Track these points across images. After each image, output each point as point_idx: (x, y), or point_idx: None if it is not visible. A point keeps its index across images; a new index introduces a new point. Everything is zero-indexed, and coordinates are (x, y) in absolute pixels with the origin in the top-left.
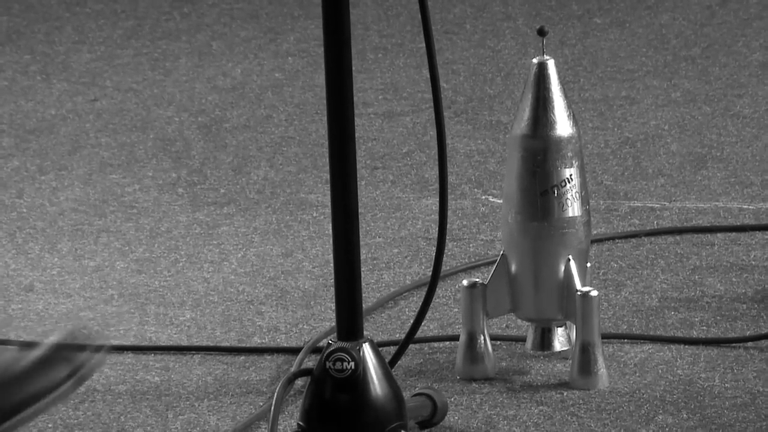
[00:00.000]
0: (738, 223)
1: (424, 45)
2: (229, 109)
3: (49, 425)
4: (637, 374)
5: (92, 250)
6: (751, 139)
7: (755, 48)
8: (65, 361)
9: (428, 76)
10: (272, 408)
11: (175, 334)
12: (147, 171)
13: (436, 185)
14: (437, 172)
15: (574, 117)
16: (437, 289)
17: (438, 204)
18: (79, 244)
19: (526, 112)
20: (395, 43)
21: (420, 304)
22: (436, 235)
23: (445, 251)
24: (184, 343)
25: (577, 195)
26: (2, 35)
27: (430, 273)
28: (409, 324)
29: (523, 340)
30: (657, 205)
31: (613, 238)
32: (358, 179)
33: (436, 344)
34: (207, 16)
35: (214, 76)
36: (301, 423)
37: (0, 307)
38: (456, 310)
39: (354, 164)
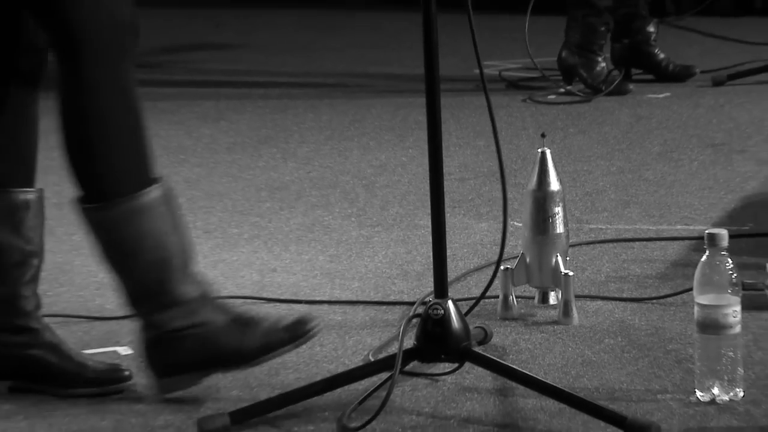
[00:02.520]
0: (647, 237)
1: (482, 143)
2: (392, 176)
3: None
4: (594, 317)
5: (305, 249)
6: (653, 192)
7: (655, 144)
8: (289, 330)
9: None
10: (400, 334)
11: (349, 294)
12: (335, 208)
13: (487, 217)
14: (488, 210)
15: (560, 180)
16: (492, 270)
17: (502, 227)
18: (300, 246)
19: (534, 178)
20: (464, 142)
21: (484, 283)
22: (489, 243)
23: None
24: (354, 299)
25: (562, 221)
26: (262, 138)
27: (497, 260)
28: (473, 290)
29: (533, 298)
30: (603, 227)
31: (580, 244)
32: (445, 213)
33: (487, 300)
34: (368, 128)
35: (371, 159)
36: (415, 342)
37: (258, 280)
38: (496, 282)
39: (443, 205)
